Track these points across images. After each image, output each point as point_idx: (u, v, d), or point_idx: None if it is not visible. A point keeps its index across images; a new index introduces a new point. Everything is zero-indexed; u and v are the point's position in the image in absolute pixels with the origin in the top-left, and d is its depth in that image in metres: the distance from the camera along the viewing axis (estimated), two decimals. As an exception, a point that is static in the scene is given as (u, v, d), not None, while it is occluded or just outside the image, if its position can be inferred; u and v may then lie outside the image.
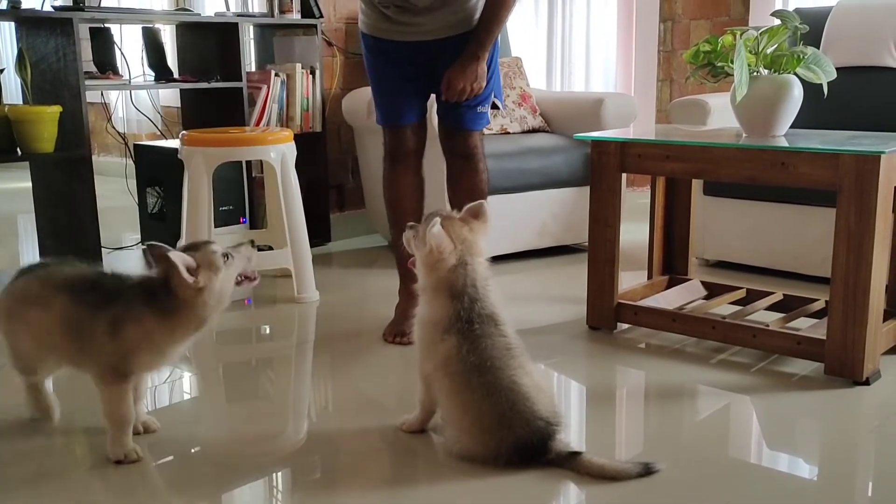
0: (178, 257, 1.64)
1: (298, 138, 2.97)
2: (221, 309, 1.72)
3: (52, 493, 1.62)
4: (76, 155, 2.91)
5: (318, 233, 3.66)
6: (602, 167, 2.41)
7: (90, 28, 3.30)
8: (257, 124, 3.48)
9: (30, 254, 3.78)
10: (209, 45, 3.47)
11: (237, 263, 1.74)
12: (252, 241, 1.81)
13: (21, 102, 3.04)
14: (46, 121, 2.81)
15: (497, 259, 3.05)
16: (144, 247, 1.69)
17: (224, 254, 1.71)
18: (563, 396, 2.17)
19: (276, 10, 3.54)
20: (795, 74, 2.26)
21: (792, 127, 2.33)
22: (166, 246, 1.66)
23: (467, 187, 2.50)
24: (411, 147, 2.51)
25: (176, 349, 1.72)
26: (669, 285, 2.71)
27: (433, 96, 2.50)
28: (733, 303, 2.57)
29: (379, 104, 2.52)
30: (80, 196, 2.98)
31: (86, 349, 1.69)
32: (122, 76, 3.37)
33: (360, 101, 3.56)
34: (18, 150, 2.85)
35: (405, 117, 2.49)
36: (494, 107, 2.49)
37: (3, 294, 1.80)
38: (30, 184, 3.26)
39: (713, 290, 2.65)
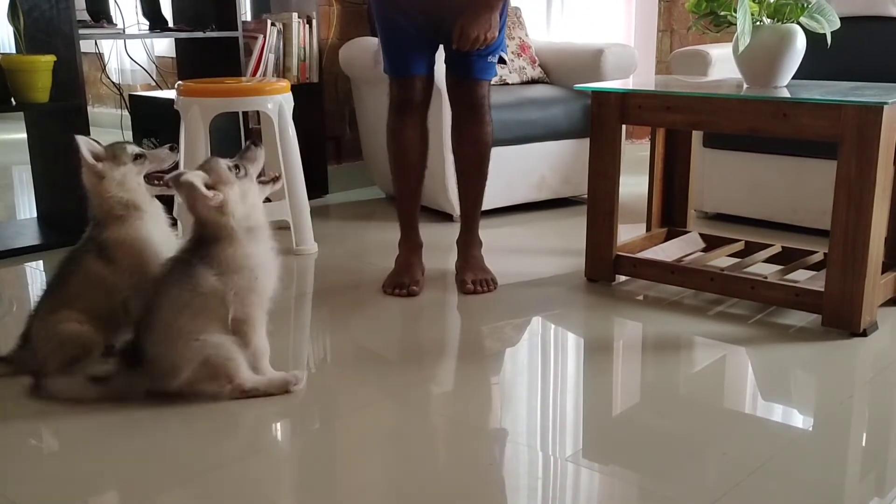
0: (194, 175, 1.70)
1: (295, 89, 2.94)
2: (253, 222, 1.76)
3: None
4: (71, 105, 2.88)
5: (316, 185, 3.64)
6: (602, 118, 2.39)
7: (83, -25, 3.24)
8: (253, 74, 3.44)
9: (26, 205, 3.77)
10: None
11: (251, 172, 1.79)
12: (254, 143, 1.84)
13: (14, 52, 3.01)
14: (40, 70, 2.77)
15: (495, 212, 3.06)
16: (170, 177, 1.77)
17: (232, 165, 1.76)
18: (561, 348, 2.19)
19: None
20: (798, 24, 2.23)
21: (794, 78, 2.31)
22: (181, 171, 1.74)
23: (472, 138, 2.49)
24: (418, 99, 2.47)
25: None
26: (668, 238, 2.71)
27: (441, 48, 2.46)
28: (732, 255, 2.58)
29: (387, 53, 2.47)
30: (76, 147, 2.95)
31: None
32: (117, 25, 3.32)
33: (358, 51, 3.52)
34: (13, 100, 2.82)
35: (413, 68, 2.45)
36: (501, 61, 2.45)
37: None
38: (20, 135, 3.23)
39: (712, 243, 2.65)
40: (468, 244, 2.59)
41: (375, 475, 1.55)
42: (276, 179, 1.87)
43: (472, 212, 2.58)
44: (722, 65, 3.05)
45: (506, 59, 2.48)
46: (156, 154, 1.94)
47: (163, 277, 1.76)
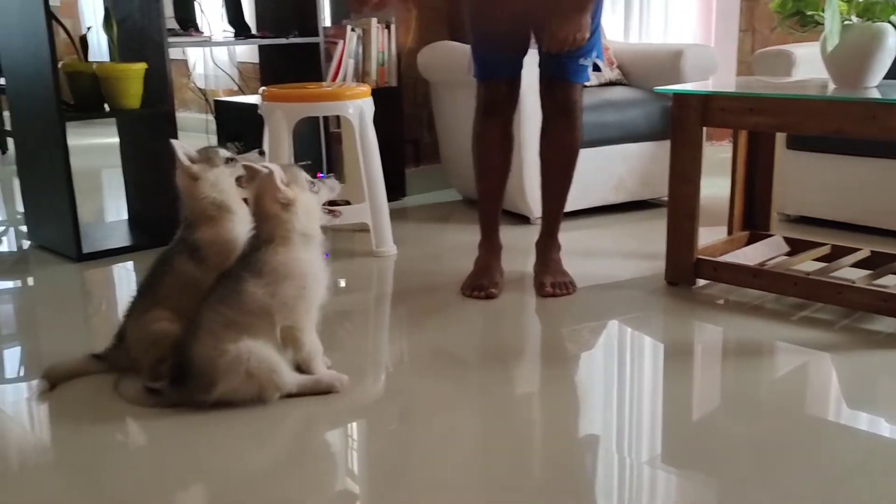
0: (275, 167, 1.76)
1: (374, 93, 2.99)
2: (311, 230, 1.81)
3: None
4: (160, 111, 2.99)
5: (394, 187, 3.69)
6: (683, 121, 2.37)
7: (171, -14, 3.36)
8: (333, 79, 3.51)
9: (115, 207, 3.91)
10: (287, 1, 3.49)
11: (323, 192, 1.86)
12: (334, 174, 1.88)
13: (108, 60, 3.13)
14: (133, 78, 2.88)
15: (572, 214, 3.05)
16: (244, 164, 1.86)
17: (310, 180, 1.83)
18: (639, 351, 2.17)
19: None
20: (890, 22, 2.17)
21: (885, 78, 2.25)
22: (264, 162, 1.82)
23: (560, 143, 2.49)
24: (504, 102, 2.48)
25: None
26: (750, 241, 2.66)
27: (531, 51, 2.46)
28: (817, 259, 2.52)
29: (476, 56, 2.48)
30: (165, 151, 3.03)
31: None
32: (203, 33, 3.42)
33: (437, 55, 3.55)
34: (106, 106, 2.93)
35: (501, 70, 2.45)
36: (595, 67, 2.44)
37: None
38: (111, 139, 3.35)
39: (796, 246, 2.60)
40: (547, 247, 2.59)
41: (452, 476, 1.57)
42: (334, 214, 1.92)
43: (555, 216, 2.58)
44: (806, 65, 2.99)
45: (600, 64, 2.46)
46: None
47: (211, 291, 1.79)
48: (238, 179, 1.97)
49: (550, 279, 2.52)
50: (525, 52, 2.46)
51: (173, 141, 1.96)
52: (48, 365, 1.95)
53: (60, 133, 2.79)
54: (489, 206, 2.60)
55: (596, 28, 2.38)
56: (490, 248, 2.61)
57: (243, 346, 1.72)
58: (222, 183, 1.95)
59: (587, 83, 2.55)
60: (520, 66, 2.47)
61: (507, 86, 2.47)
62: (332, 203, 1.94)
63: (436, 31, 3.83)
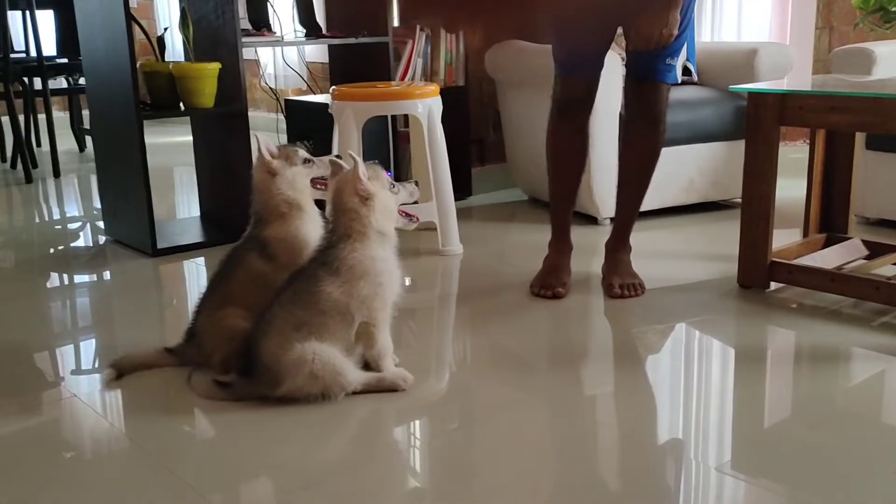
0: (359, 161, 1.79)
1: (441, 92, 2.99)
2: (387, 229, 1.82)
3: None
4: (234, 110, 3.04)
5: (460, 186, 3.68)
6: (759, 120, 2.31)
7: (245, -13, 3.41)
8: (402, 79, 3.52)
9: (187, 204, 4.00)
10: (356, 1, 3.52)
11: (402, 194, 1.88)
12: (417, 182, 1.94)
13: (183, 60, 3.19)
14: (207, 77, 2.94)
15: (642, 215, 3.00)
16: (332, 157, 1.91)
17: (391, 181, 1.87)
18: (710, 355, 2.13)
19: (422, -35, 3.54)
20: (979, 18, 2.09)
21: (972, 76, 2.17)
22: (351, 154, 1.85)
23: (641, 147, 2.45)
24: (581, 100, 2.44)
25: None
26: (827, 244, 2.59)
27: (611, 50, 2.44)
28: (897, 264, 2.44)
29: (556, 51, 2.44)
30: (237, 150, 3.11)
31: None
32: (275, 33, 3.47)
33: (504, 55, 3.54)
34: (181, 105, 3.00)
35: (580, 68, 2.42)
36: (686, 71, 2.40)
37: None
38: (182, 138, 3.42)
39: (875, 250, 2.51)
40: (618, 248, 2.56)
41: (514, 477, 1.56)
42: (412, 218, 1.94)
43: (628, 218, 2.55)
44: (888, 63, 2.89)
45: (692, 68, 2.41)
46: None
47: (285, 289, 1.80)
48: (313, 181, 1.99)
49: (619, 280, 2.49)
50: (606, 51, 2.43)
51: (257, 134, 1.99)
52: (119, 356, 2.01)
53: (138, 131, 2.86)
54: (561, 206, 2.58)
55: (686, 27, 2.32)
56: (560, 248, 2.59)
57: (308, 348, 1.74)
58: (299, 182, 1.97)
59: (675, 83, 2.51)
60: (600, 66, 2.44)
61: (585, 84, 2.43)
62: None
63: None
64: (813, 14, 4.33)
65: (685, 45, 2.34)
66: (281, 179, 1.95)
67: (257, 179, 1.98)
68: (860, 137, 2.72)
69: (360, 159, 1.80)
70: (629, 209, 2.55)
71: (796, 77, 3.61)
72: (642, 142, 2.44)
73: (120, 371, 1.96)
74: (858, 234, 2.66)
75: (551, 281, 2.50)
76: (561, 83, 2.44)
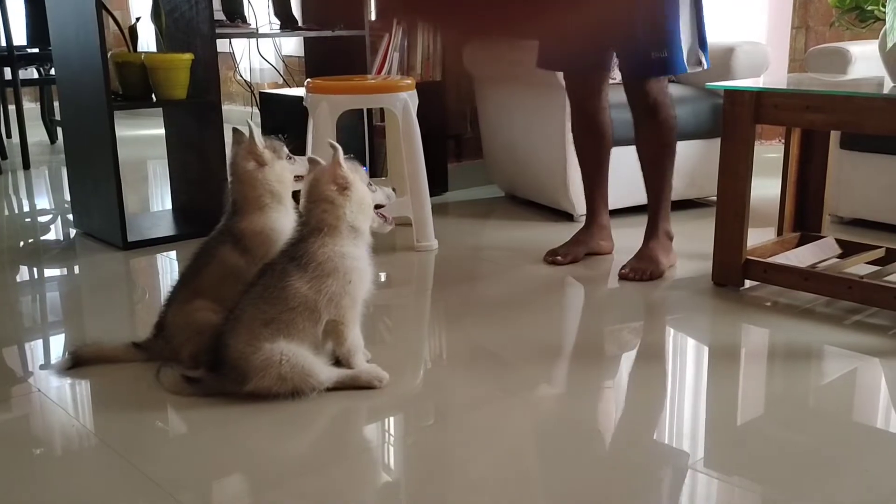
0: (339, 149, 1.78)
1: (418, 87, 2.97)
2: (360, 224, 1.79)
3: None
4: (207, 102, 3.00)
5: (436, 182, 3.66)
6: (735, 118, 2.31)
7: (219, -23, 3.37)
8: (378, 72, 3.50)
9: (159, 198, 3.95)
10: (333, -7, 3.49)
11: (379, 195, 1.86)
12: (394, 189, 1.89)
13: (155, 51, 3.15)
14: (180, 68, 2.90)
15: (617, 212, 3.01)
16: (309, 156, 1.88)
17: (370, 181, 1.86)
18: (684, 352, 2.13)
19: (399, -42, 3.52)
20: (953, 19, 2.09)
21: (946, 76, 2.18)
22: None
23: (645, 138, 2.56)
24: (581, 91, 2.62)
25: None
26: (801, 243, 2.59)
27: None
28: (871, 262, 2.45)
29: (539, 43, 2.60)
30: (210, 142, 3.07)
31: None
32: (250, 25, 3.43)
33: (481, 49, 3.52)
34: (154, 96, 2.96)
35: (563, 60, 2.56)
36: (699, 62, 2.44)
37: None
38: (156, 131, 3.38)
39: (848, 249, 2.53)
40: (647, 235, 2.65)
41: (487, 474, 1.55)
42: (386, 220, 1.88)
43: (654, 207, 2.64)
44: (863, 63, 2.91)
45: (703, 60, 2.46)
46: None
47: (254, 284, 1.77)
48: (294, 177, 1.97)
49: (633, 263, 2.58)
50: (604, 55, 2.53)
51: (249, 122, 1.96)
52: (80, 345, 1.97)
53: (108, 122, 2.81)
54: (587, 189, 2.81)
55: (668, 15, 2.38)
56: (587, 225, 2.81)
57: (277, 349, 1.71)
58: (285, 176, 1.95)
59: (612, 77, 2.64)
60: (602, 65, 2.54)
61: (581, 78, 2.59)
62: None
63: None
64: (789, 13, 4.36)
65: (681, 33, 2.37)
66: (269, 171, 1.93)
67: (242, 168, 1.94)
68: (835, 137, 2.73)
69: (340, 148, 1.78)
70: (652, 200, 2.64)
71: (772, 76, 3.63)
72: (646, 134, 2.55)
73: (78, 360, 1.93)
74: (832, 233, 2.68)
75: (560, 249, 2.71)
76: (565, 80, 2.65)
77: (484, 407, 1.79)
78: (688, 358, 2.10)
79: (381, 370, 1.85)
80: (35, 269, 2.85)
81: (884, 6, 2.03)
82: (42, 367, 2.02)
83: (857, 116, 2.12)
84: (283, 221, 1.93)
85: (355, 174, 1.79)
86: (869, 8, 2.11)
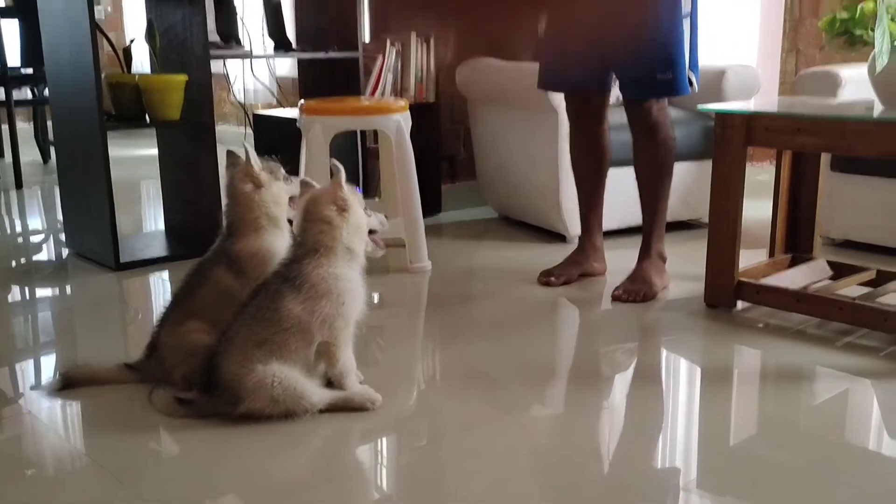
0: (342, 169, 1.77)
1: (412, 108, 2.98)
2: (356, 246, 1.79)
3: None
4: (201, 122, 3.01)
5: (430, 203, 3.68)
6: (726, 141, 2.33)
7: (214, 0, 3.39)
8: (372, 94, 3.52)
9: (152, 218, 3.95)
10: (327, 15, 3.51)
11: (373, 220, 1.86)
12: (387, 216, 1.94)
13: (149, 72, 3.16)
14: (174, 89, 2.90)
15: (611, 234, 3.02)
16: (303, 179, 1.86)
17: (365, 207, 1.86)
18: (677, 374, 2.13)
19: (393, -20, 3.56)
20: (941, 43, 2.12)
21: (935, 100, 2.20)
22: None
23: (642, 158, 2.58)
24: (583, 112, 2.65)
25: None
26: (792, 264, 2.61)
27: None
28: (862, 284, 2.46)
29: (541, 65, 2.65)
30: (203, 163, 3.08)
31: None
32: (244, 47, 3.45)
33: (475, 72, 3.55)
34: (147, 117, 2.96)
35: (565, 82, 2.62)
36: (689, 83, 2.46)
37: None
38: (150, 151, 3.38)
39: (840, 271, 2.54)
40: (641, 256, 2.65)
41: (482, 495, 1.54)
42: (378, 245, 1.88)
43: (648, 228, 2.65)
44: (853, 86, 2.93)
45: (694, 81, 2.47)
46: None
47: (247, 305, 1.77)
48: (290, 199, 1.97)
49: (627, 285, 2.58)
50: (603, 75, 2.55)
51: (245, 144, 1.96)
52: (71, 366, 1.96)
53: (102, 143, 2.81)
54: (582, 210, 2.80)
55: (672, 37, 2.40)
56: (581, 246, 2.80)
57: (269, 371, 1.70)
58: (282, 198, 1.95)
59: (616, 99, 2.65)
60: (588, 76, 2.56)
61: (580, 97, 2.62)
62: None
63: (475, 46, 3.82)
64: (780, 36, 4.40)
65: (685, 55, 2.40)
66: (266, 192, 1.93)
67: (239, 190, 1.94)
68: (825, 159, 2.76)
69: (342, 169, 1.78)
70: (647, 220, 2.65)
71: (763, 98, 3.65)
72: (644, 154, 2.57)
73: (68, 381, 1.92)
74: (823, 254, 2.69)
75: (553, 270, 2.73)
76: (566, 101, 2.68)
77: (477, 428, 1.79)
78: (681, 379, 2.10)
79: (373, 392, 1.84)
80: (27, 290, 2.84)
81: (872, 30, 2.06)
82: (33, 388, 2.01)
83: (847, 139, 2.14)
84: (279, 244, 1.92)
85: (354, 196, 1.80)
86: (858, 32, 2.14)
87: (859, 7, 2.15)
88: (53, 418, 1.84)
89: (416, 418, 1.86)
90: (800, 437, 1.75)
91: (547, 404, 1.93)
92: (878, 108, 2.24)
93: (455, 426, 1.81)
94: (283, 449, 1.68)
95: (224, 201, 1.99)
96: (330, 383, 1.83)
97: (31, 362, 2.20)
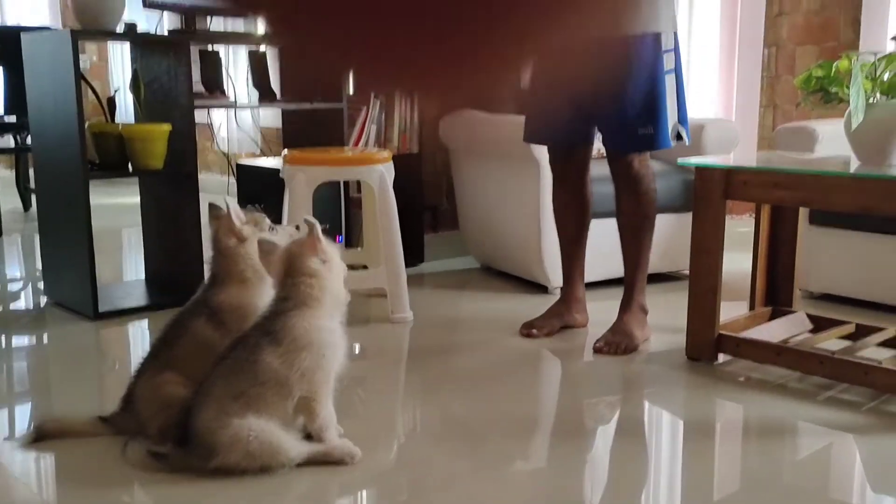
0: (317, 224, 1.78)
1: (395, 159, 3.00)
2: (341, 296, 1.80)
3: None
4: (184, 172, 3.01)
5: (412, 253, 3.68)
6: (706, 194, 2.35)
7: (199, 50, 3.42)
8: (356, 145, 3.54)
9: (133, 266, 3.92)
10: (311, 67, 3.54)
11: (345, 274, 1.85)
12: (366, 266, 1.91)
13: (133, 121, 3.17)
14: (157, 139, 2.91)
15: (592, 285, 3.02)
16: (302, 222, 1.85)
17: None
18: (659, 428, 2.12)
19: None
20: (914, 101, 2.16)
21: (909, 156, 2.24)
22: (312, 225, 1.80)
23: (626, 211, 2.61)
24: (566, 165, 2.68)
25: None
26: (772, 317, 2.62)
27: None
28: (842, 337, 2.47)
29: (526, 118, 2.69)
30: (186, 212, 3.07)
31: None
32: (229, 97, 3.47)
33: (458, 124, 3.58)
34: (130, 166, 2.96)
35: (550, 135, 2.65)
36: (679, 137, 2.49)
37: None
38: (132, 199, 3.38)
39: (820, 324, 2.55)
40: (622, 309, 2.66)
41: (468, 553, 1.52)
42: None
43: (630, 280, 2.66)
44: (829, 141, 2.98)
45: (684, 135, 2.50)
46: (284, 229, 1.97)
47: (225, 357, 1.75)
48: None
49: (608, 337, 2.58)
50: (586, 128, 2.59)
51: (226, 198, 1.96)
52: (45, 419, 1.93)
53: (83, 192, 2.81)
54: (564, 261, 2.82)
55: (654, 92, 2.44)
56: (563, 297, 2.81)
57: (245, 425, 1.68)
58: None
59: (597, 152, 2.70)
60: (573, 133, 2.61)
61: (562, 151, 2.66)
62: (349, 267, 1.93)
63: (457, 101, 3.86)
64: (757, 93, 4.48)
65: (667, 110, 2.43)
66: (250, 245, 1.91)
67: (224, 244, 1.93)
68: (804, 213, 2.79)
69: (317, 223, 1.78)
70: (629, 272, 2.66)
71: (742, 153, 3.70)
72: (625, 207, 2.60)
73: (41, 434, 1.89)
74: (803, 307, 2.71)
75: (535, 322, 2.71)
76: (549, 153, 2.72)
77: (459, 482, 1.77)
78: (664, 433, 2.09)
79: (353, 446, 1.82)
80: (3, 339, 2.80)
81: (847, 88, 2.10)
82: (6, 440, 1.98)
83: (824, 194, 2.17)
84: (263, 297, 1.91)
85: (331, 247, 1.80)
86: (833, 90, 2.18)
87: (834, 65, 2.20)
88: (26, 471, 1.80)
89: (397, 472, 1.83)
90: (784, 492, 1.74)
91: (529, 458, 1.92)
92: (854, 164, 2.27)
93: (436, 480, 1.79)
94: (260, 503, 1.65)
95: (208, 253, 1.98)
96: (309, 435, 1.80)
97: (4, 413, 2.17)
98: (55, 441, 1.90)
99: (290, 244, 1.79)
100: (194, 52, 3.25)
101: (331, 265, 1.77)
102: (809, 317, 2.59)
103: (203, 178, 3.08)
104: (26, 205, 5.37)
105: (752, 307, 2.66)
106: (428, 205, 3.88)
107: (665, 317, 2.87)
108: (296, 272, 1.76)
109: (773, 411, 2.14)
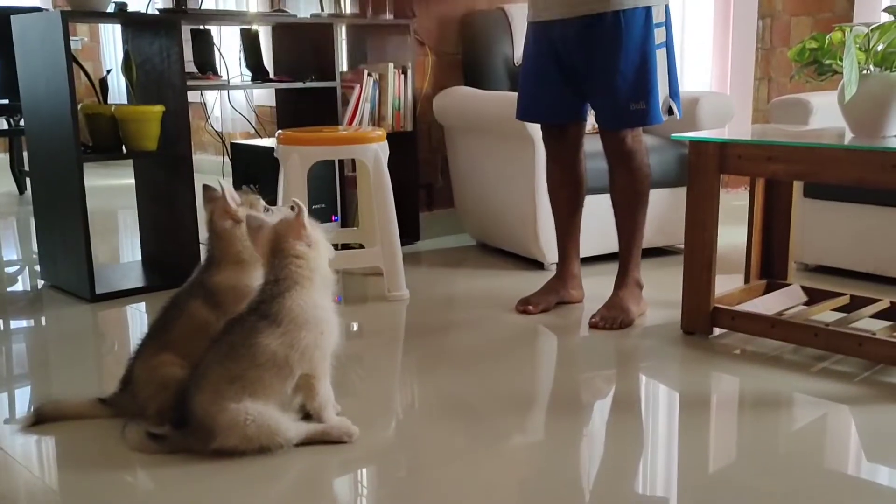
0: (305, 211, 1.78)
1: (389, 137, 2.99)
2: (329, 278, 1.81)
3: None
4: (178, 153, 3.00)
5: (408, 231, 3.68)
6: (700, 168, 2.35)
7: (191, 30, 3.39)
8: (350, 124, 3.52)
9: (129, 248, 3.92)
10: (304, 45, 3.53)
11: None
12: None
13: (126, 102, 3.15)
14: (150, 120, 2.90)
15: (587, 261, 3.03)
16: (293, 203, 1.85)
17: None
18: (654, 402, 2.14)
19: (369, 11, 3.58)
20: (908, 72, 2.16)
21: (903, 127, 2.24)
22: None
23: (620, 187, 2.61)
24: (559, 142, 2.68)
25: None
26: (767, 290, 2.63)
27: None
28: (836, 309, 2.48)
29: (519, 96, 2.69)
30: (180, 193, 3.07)
31: None
32: (222, 77, 3.45)
33: (452, 101, 3.57)
34: (124, 148, 2.95)
35: (543, 113, 2.65)
36: (670, 111, 2.49)
37: None
38: (127, 181, 3.37)
39: (814, 296, 2.56)
40: (618, 284, 2.67)
41: (467, 527, 1.53)
42: None
43: (625, 255, 2.67)
44: (824, 113, 2.98)
45: (675, 109, 2.50)
46: (279, 211, 1.95)
47: (220, 340, 1.75)
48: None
49: (603, 312, 2.59)
50: (572, 94, 2.58)
51: (221, 181, 1.95)
52: (44, 401, 1.94)
53: (77, 174, 2.80)
54: (559, 238, 2.82)
55: (645, 68, 2.44)
56: (558, 274, 2.82)
57: (242, 409, 1.68)
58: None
59: (591, 127, 2.69)
60: (568, 109, 2.61)
61: (557, 129, 2.66)
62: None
63: (452, 76, 3.85)
64: (752, 65, 4.46)
65: (658, 84, 2.43)
66: (316, 250, 1.86)
67: (219, 226, 1.92)
68: (798, 186, 2.79)
69: (304, 207, 1.78)
70: (624, 247, 2.67)
71: (736, 126, 3.70)
72: (620, 182, 2.60)
73: (42, 416, 1.90)
74: (798, 279, 2.72)
75: (531, 298, 2.73)
76: (543, 131, 2.71)
77: (457, 459, 1.78)
78: (660, 406, 2.11)
79: (351, 425, 1.83)
80: (0, 322, 2.80)
81: (841, 60, 2.09)
82: (6, 423, 1.99)
83: (818, 167, 2.17)
84: (259, 278, 1.91)
85: (315, 229, 1.79)
86: (827, 62, 2.17)
87: (828, 37, 2.19)
88: (26, 453, 1.81)
89: (395, 450, 1.84)
90: (779, 463, 1.75)
91: (526, 433, 1.93)
92: (848, 136, 2.27)
93: (434, 457, 1.80)
94: (259, 483, 1.66)
95: (205, 234, 1.98)
96: (307, 415, 1.81)
97: (4, 396, 2.17)
98: (54, 423, 1.91)
99: (276, 223, 1.79)
100: (186, 31, 3.22)
101: (316, 247, 1.77)
102: (804, 289, 2.60)
103: (197, 158, 3.07)
104: (21, 188, 5.36)
105: (746, 280, 2.67)
106: (423, 183, 3.88)
107: (660, 291, 2.88)
108: (282, 253, 1.76)
109: (768, 383, 2.16)
